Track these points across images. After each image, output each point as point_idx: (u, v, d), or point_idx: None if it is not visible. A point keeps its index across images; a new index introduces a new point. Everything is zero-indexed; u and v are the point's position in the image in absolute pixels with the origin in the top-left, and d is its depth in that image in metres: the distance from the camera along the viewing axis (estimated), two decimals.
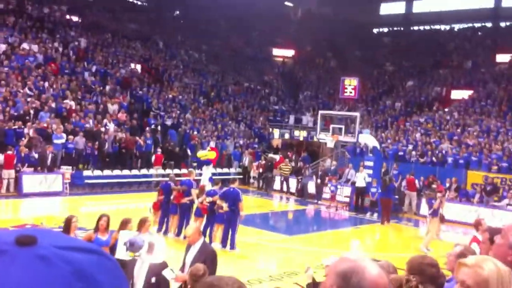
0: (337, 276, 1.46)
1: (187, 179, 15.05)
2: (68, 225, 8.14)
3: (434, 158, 24.51)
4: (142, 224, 8.53)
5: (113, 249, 8.22)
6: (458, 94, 33.83)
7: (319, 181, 23.88)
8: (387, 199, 19.46)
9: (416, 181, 21.73)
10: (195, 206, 14.15)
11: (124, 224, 8.52)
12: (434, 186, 20.42)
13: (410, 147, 25.99)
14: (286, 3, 49.10)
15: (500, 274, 2.10)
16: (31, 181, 19.71)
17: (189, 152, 26.09)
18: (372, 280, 1.43)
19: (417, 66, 39.54)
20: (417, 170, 22.75)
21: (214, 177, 17.57)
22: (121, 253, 8.42)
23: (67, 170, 20.84)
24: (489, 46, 37.37)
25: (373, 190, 20.67)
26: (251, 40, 45.36)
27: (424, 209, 20.16)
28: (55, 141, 21.06)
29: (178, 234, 14.27)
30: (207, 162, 18.14)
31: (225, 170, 26.33)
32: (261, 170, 26.48)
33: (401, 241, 17.60)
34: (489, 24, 43.67)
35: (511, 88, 31.97)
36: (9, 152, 19.22)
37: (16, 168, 19.54)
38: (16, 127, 20.65)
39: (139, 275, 7.91)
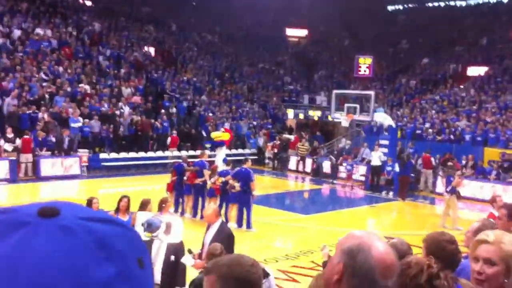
0: (343, 253, 1.46)
1: (200, 160, 15.14)
2: (89, 206, 8.26)
3: (451, 136, 24.36)
4: (162, 204, 8.65)
5: None
6: (474, 71, 33.41)
7: (334, 160, 23.88)
8: (405, 177, 19.74)
9: (432, 159, 21.63)
10: (208, 187, 14.25)
11: (144, 205, 8.63)
12: (450, 163, 20.33)
13: (427, 125, 25.83)
14: None
15: None
16: (49, 164, 19.96)
17: (204, 134, 26.19)
18: (379, 257, 1.43)
19: (433, 43, 39.03)
20: (433, 148, 22.61)
21: (227, 158, 17.64)
22: (139, 234, 8.56)
23: (84, 153, 21.07)
24: (505, 22, 36.73)
25: (388, 168, 20.61)
26: (264, 20, 45.03)
27: (440, 187, 20.21)
28: (72, 124, 21.25)
29: (194, 214, 14.40)
30: (221, 143, 18.20)
31: (240, 150, 26.41)
32: (275, 150, 26.51)
33: (418, 219, 17.58)
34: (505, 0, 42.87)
35: None
36: (26, 137, 19.46)
37: (34, 152, 19.79)
38: (30, 111, 20.85)
39: (158, 254, 8.05)
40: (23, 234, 0.71)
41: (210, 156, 17.58)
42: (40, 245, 0.70)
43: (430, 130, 25.10)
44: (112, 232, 0.77)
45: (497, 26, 37.00)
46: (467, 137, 23.99)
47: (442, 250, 3.38)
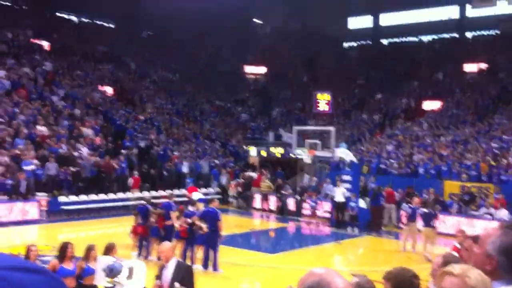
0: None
1: (167, 201, 14.85)
2: (27, 254, 8.07)
3: (408, 169, 24.83)
4: (109, 250, 8.39)
5: (80, 277, 8.05)
6: (429, 105, 34.38)
7: (298, 197, 23.86)
8: (377, 207, 20.84)
9: (395, 193, 21.89)
10: (176, 229, 13.93)
11: (109, 250, 8.35)
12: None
13: (392, 160, 26.28)
14: (255, 19, 49.38)
15: (485, 283, 2.08)
16: (6, 209, 19.18)
17: (165, 173, 25.86)
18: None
19: (387, 78, 40.07)
20: (395, 182, 22.92)
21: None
22: (101, 280, 8.20)
23: (43, 197, 20.39)
24: (457, 57, 38.13)
25: (352, 204, 20.71)
26: (222, 58, 45.42)
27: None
28: (24, 167, 20.60)
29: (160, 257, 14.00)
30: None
31: (203, 190, 26.10)
32: (239, 188, 26.34)
33: (383, 254, 17.60)
34: (456, 35, 44.67)
35: (477, 96, 32.70)
36: None
37: None
38: None
39: None
40: None
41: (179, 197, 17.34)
42: None
43: (395, 165, 25.50)
44: (32, 280, 0.76)
45: (449, 61, 38.31)
46: (421, 170, 24.59)
47: (412, 286, 3.47)
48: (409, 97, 36.60)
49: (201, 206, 14.61)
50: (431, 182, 22.97)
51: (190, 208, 14.47)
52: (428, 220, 16.12)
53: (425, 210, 16.54)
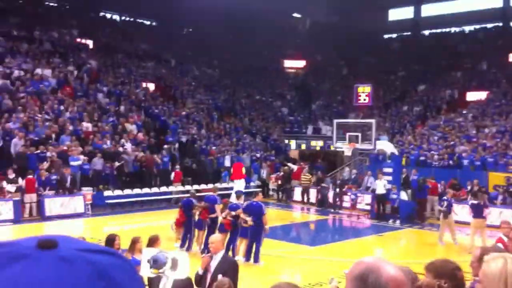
0: (355, 279, 1.45)
1: (211, 194, 15.06)
2: (110, 244, 8.20)
3: (451, 162, 24.41)
4: (152, 242, 8.60)
5: None
6: (473, 96, 33.65)
7: (337, 190, 23.80)
8: (423, 199, 20.91)
9: (438, 185, 21.60)
10: (219, 222, 14.14)
11: (153, 242, 8.57)
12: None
13: (433, 151, 25.90)
14: (294, 14, 49.24)
15: (505, 273, 2.09)
16: (53, 204, 19.85)
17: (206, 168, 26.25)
18: (390, 276, 1.41)
19: (429, 70, 39.37)
20: (437, 174, 22.60)
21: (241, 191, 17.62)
22: (145, 271, 8.44)
23: (88, 191, 21.01)
24: (501, 47, 37.12)
25: (393, 196, 20.54)
26: (261, 53, 45.53)
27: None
28: (71, 163, 21.28)
29: (203, 250, 14.22)
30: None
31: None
32: (279, 181, 26.46)
33: (425, 247, 17.41)
34: (499, 24, 43.46)
35: None
36: (30, 176, 19.43)
37: (38, 192, 19.72)
38: (38, 151, 20.88)
39: None
40: (24, 266, 0.73)
41: (221, 190, 17.56)
42: (40, 276, 0.72)
43: (436, 157, 25.11)
44: (110, 263, 0.79)
45: (493, 51, 37.36)
46: (466, 162, 24.10)
47: (455, 277, 3.38)
48: (452, 88, 35.88)
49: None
50: (474, 174, 22.55)
51: (234, 200, 14.66)
52: (478, 211, 15.76)
53: (474, 201, 16.20)
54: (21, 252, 0.74)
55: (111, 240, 8.34)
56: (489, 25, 43.83)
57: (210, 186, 16.52)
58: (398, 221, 20.37)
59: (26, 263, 0.73)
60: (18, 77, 25.82)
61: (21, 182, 19.40)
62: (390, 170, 21.87)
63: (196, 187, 22.92)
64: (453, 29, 45.39)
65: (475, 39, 41.90)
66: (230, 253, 12.71)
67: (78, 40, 34.84)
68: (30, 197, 19.40)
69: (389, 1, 46.47)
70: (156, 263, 7.87)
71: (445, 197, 17.09)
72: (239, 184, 22.23)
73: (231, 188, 22.20)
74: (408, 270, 3.95)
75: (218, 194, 15.61)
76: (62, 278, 0.73)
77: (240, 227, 13.54)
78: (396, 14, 49.31)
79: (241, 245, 13.81)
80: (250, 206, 13.59)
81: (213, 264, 7.31)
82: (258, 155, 29.58)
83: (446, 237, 16.66)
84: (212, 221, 14.33)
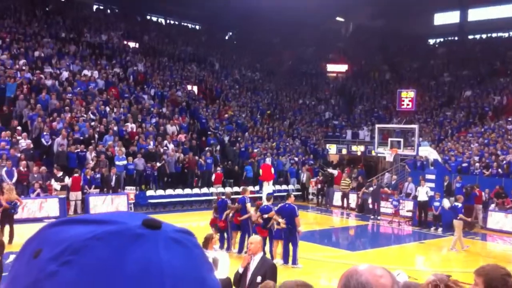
0: (341, 282, 1.46)
1: (242, 196, 15.18)
2: (206, 243, 8.45)
3: (500, 170, 23.80)
4: (207, 241, 8.71)
5: None
6: None
7: (371, 192, 23.49)
8: (470, 206, 20.23)
9: (482, 193, 21.14)
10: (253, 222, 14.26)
11: (208, 240, 8.71)
12: None
13: (476, 158, 25.32)
14: (338, 18, 49.01)
15: None
16: (98, 202, 20.37)
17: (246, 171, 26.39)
18: (372, 275, 1.41)
19: (476, 75, 38.52)
20: (482, 182, 22.12)
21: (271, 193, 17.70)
22: None
23: (131, 190, 21.46)
24: None
25: (436, 204, 20.20)
26: (304, 57, 45.50)
27: (494, 222, 19.94)
28: (117, 162, 21.78)
29: (240, 250, 14.34)
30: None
31: (283, 186, 26.45)
32: (319, 186, 26.37)
33: (469, 255, 17.05)
34: None
35: None
36: (76, 175, 19.99)
37: (83, 190, 20.28)
38: (78, 150, 21.45)
39: None
40: (147, 247, 0.72)
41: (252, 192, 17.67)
42: (168, 257, 0.72)
43: (478, 164, 24.57)
44: (200, 244, 0.82)
45: None
46: None
47: (506, 285, 3.26)
48: (500, 94, 34.98)
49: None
50: None
51: (266, 202, 14.74)
52: None
53: None
54: (136, 231, 0.73)
55: (208, 239, 8.61)
56: None
57: (250, 188, 16.56)
58: (440, 229, 20.00)
59: (147, 243, 0.72)
60: (66, 78, 26.56)
61: (67, 180, 19.97)
62: (432, 177, 21.53)
63: (236, 189, 23.09)
64: (500, 34, 44.26)
65: None
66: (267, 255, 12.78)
67: (125, 42, 35.58)
68: (76, 195, 19.96)
69: (435, 5, 45.65)
70: None
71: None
72: (267, 186, 22.29)
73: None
74: (414, 284, 3.87)
75: (250, 196, 15.69)
76: (186, 260, 0.74)
77: (274, 229, 13.60)
78: (442, 18, 48.36)
79: (278, 247, 13.87)
80: (283, 208, 13.63)
81: (252, 266, 7.37)
82: (296, 159, 29.52)
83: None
84: (245, 222, 14.41)
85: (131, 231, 0.73)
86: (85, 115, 24.02)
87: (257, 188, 24.76)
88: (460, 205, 17.09)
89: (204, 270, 0.77)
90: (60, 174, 19.92)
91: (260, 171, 24.86)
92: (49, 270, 0.70)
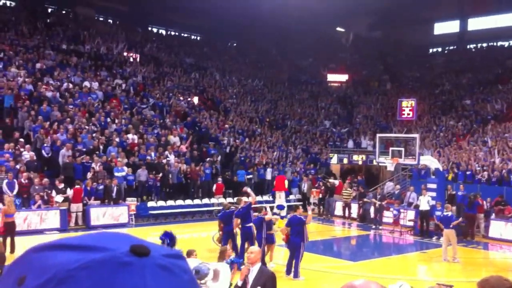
0: None
1: (258, 216, 14.88)
2: (223, 254, 8.51)
3: (498, 177, 23.79)
4: (223, 254, 8.75)
5: None
6: None
7: (377, 205, 23.46)
8: (472, 215, 20.46)
9: (484, 202, 21.10)
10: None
11: (188, 255, 8.77)
12: None
13: (476, 166, 25.30)
14: (338, 28, 49.20)
15: None
16: (98, 213, 20.36)
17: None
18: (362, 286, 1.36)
19: (475, 84, 38.60)
20: (484, 190, 22.09)
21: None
22: None
23: (132, 201, 21.44)
24: None
25: (437, 213, 20.13)
26: (304, 66, 45.62)
27: (495, 231, 19.87)
28: (116, 173, 21.79)
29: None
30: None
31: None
32: (321, 195, 26.33)
33: (471, 265, 17.00)
34: None
35: None
36: (77, 186, 20.00)
37: (84, 202, 20.26)
38: (84, 161, 21.48)
39: None
40: (133, 275, 0.71)
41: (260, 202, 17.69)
42: (154, 286, 0.71)
43: (485, 173, 24.52)
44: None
45: None
46: None
47: None
48: (500, 102, 35.02)
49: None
50: None
51: (271, 215, 14.74)
52: None
53: None
54: (123, 259, 0.72)
55: (188, 254, 8.69)
56: None
57: (248, 199, 16.26)
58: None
59: (134, 272, 0.71)
60: (67, 89, 26.64)
61: (69, 192, 19.97)
62: (434, 186, 21.51)
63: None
64: (499, 43, 44.42)
65: None
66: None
67: (126, 53, 35.71)
68: (77, 207, 19.96)
69: (434, 14, 45.87)
70: (198, 273, 8.01)
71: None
72: (281, 197, 22.27)
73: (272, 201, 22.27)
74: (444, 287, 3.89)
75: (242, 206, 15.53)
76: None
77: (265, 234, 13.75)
78: (442, 27, 48.58)
79: (271, 251, 14.15)
80: (293, 220, 13.61)
81: (251, 277, 7.36)
82: (298, 168, 29.53)
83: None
84: (245, 231, 14.31)
85: (117, 259, 0.72)
86: (87, 127, 24.06)
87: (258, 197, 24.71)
88: (450, 213, 17.07)
89: None
90: (61, 186, 19.93)
91: (274, 182, 24.95)
92: None
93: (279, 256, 15.32)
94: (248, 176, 26.45)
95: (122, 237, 0.79)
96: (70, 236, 0.80)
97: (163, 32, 46.06)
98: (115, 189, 21.23)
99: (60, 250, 0.73)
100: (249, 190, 16.05)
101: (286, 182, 25.14)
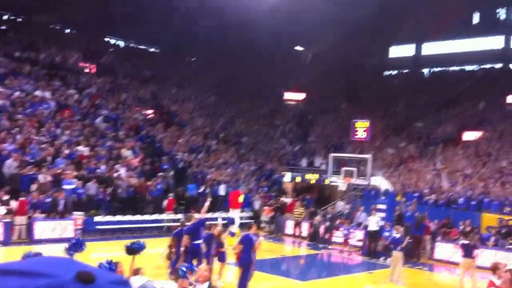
0: None
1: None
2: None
3: (445, 200, 24.38)
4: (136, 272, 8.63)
5: None
6: (470, 135, 33.73)
7: (327, 224, 23.64)
8: (418, 236, 20.63)
9: (431, 224, 21.53)
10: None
11: (135, 273, 8.66)
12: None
13: (426, 189, 25.86)
14: (297, 47, 49.73)
15: None
16: (43, 227, 19.76)
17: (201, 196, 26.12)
18: None
19: (428, 107, 39.57)
20: (432, 213, 22.55)
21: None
22: None
23: (79, 216, 20.89)
24: (500, 87, 37.38)
25: (386, 234, 20.42)
26: (262, 84, 45.82)
27: (441, 253, 20.24)
28: (65, 186, 21.25)
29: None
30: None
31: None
32: (272, 214, 26.34)
33: (415, 287, 17.25)
34: (500, 65, 43.89)
35: None
36: (23, 198, 19.38)
37: (28, 214, 19.63)
38: (31, 173, 20.87)
39: None
40: None
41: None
42: None
43: (433, 195, 25.06)
44: None
45: (493, 92, 37.60)
46: (461, 200, 24.06)
47: None
48: (450, 126, 35.99)
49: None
50: (468, 214, 22.50)
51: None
52: (468, 251, 15.73)
53: (464, 241, 16.21)
54: (67, 287, 0.71)
55: (135, 271, 8.64)
56: (489, 66, 44.25)
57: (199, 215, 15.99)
58: (389, 259, 20.17)
59: None
60: (17, 98, 25.94)
61: (14, 204, 19.33)
62: (383, 206, 21.83)
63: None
64: (453, 68, 45.82)
65: (474, 79, 42.23)
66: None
67: (81, 64, 35.11)
68: (21, 219, 19.31)
69: (390, 38, 46.99)
70: None
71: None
72: (235, 214, 22.17)
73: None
74: None
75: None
76: None
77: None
78: (397, 51, 49.80)
79: (220, 269, 14.23)
80: (246, 238, 13.48)
81: None
82: (250, 186, 29.49)
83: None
84: (192, 248, 14.06)
85: (61, 286, 0.70)
86: (36, 137, 23.44)
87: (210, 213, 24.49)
88: (399, 235, 17.16)
89: None
90: (6, 197, 19.29)
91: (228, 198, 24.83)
92: None
93: (228, 274, 15.20)
94: (199, 191, 26.20)
95: (67, 262, 0.77)
96: (13, 261, 0.78)
97: (121, 43, 45.55)
98: (62, 202, 20.66)
99: (6, 276, 0.72)
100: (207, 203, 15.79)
101: (241, 198, 25.03)
